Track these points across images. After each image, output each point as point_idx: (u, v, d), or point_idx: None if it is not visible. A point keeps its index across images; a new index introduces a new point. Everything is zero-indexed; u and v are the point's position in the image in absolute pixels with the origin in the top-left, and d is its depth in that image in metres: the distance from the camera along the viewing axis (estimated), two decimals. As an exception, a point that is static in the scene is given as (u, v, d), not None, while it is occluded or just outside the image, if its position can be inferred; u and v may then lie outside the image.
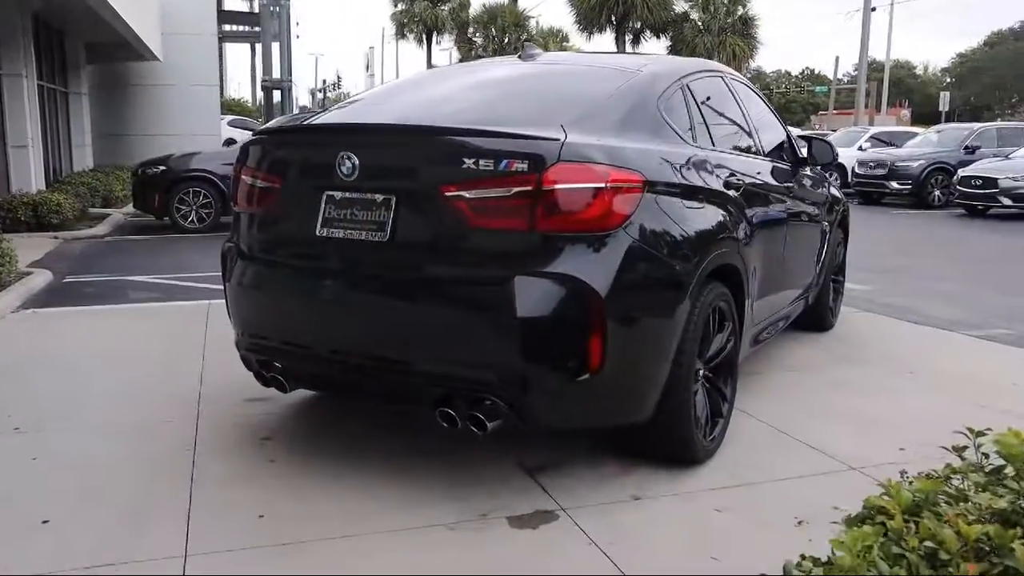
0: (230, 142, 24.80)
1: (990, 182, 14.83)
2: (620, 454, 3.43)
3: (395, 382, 2.95)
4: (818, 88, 62.91)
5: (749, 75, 53.30)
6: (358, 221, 2.94)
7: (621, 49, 31.45)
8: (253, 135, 3.41)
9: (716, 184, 3.43)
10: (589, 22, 31.25)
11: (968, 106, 64.00)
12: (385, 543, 2.75)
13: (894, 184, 17.16)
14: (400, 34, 40.40)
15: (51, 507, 2.96)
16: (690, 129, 3.49)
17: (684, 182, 3.16)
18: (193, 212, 11.71)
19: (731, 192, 3.56)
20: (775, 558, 2.65)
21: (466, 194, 2.75)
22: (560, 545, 2.75)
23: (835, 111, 51.44)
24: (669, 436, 3.16)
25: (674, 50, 32.50)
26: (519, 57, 3.83)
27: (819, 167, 5.13)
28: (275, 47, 19.99)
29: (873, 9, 32.08)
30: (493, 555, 2.68)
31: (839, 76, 56.79)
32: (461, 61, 41.08)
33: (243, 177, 3.29)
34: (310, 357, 3.10)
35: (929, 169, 17.02)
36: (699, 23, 31.71)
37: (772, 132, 4.65)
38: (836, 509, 3.05)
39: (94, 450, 3.50)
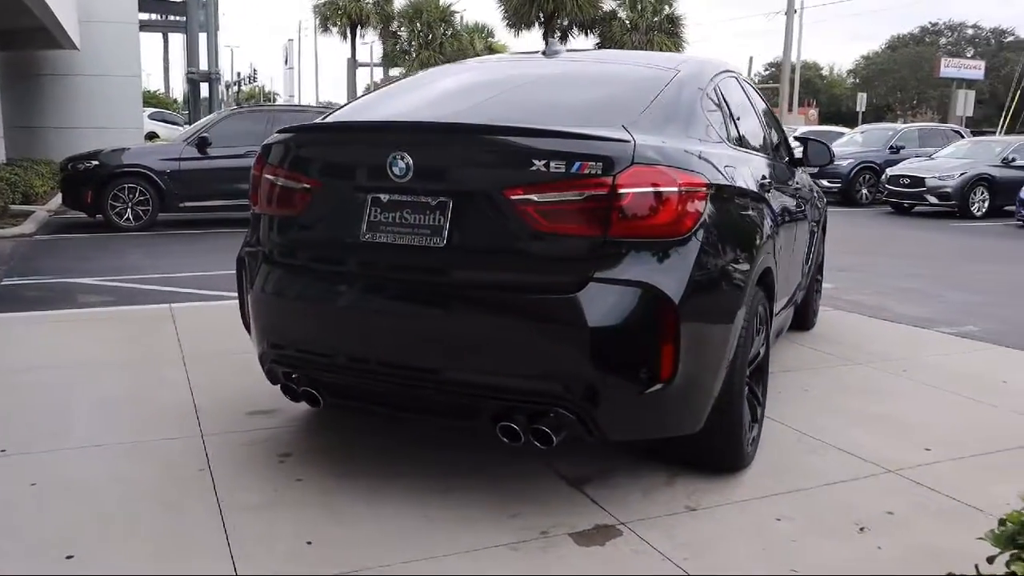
0: (152, 136, 23.84)
1: (917, 181, 15.40)
2: (660, 463, 3.34)
3: (450, 396, 2.78)
4: (732, 88, 64.42)
5: None
6: (409, 225, 2.76)
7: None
8: (280, 132, 3.17)
9: (754, 186, 3.38)
10: (518, 18, 31.21)
11: (871, 107, 66.67)
12: (449, 567, 2.59)
13: (824, 183, 17.63)
14: (323, 27, 39.54)
15: (71, 540, 2.69)
16: (726, 130, 3.43)
17: (735, 185, 3.09)
18: (129, 210, 11.13)
19: (764, 194, 3.51)
20: (854, 568, 2.64)
21: (534, 197, 2.60)
22: (633, 562, 2.65)
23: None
24: (722, 444, 3.09)
25: (602, 48, 32.76)
26: (543, 54, 3.70)
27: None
28: (202, 38, 19.21)
29: (788, 12, 33.07)
30: (568, 576, 2.56)
31: (751, 76, 58.35)
32: (385, 56, 40.54)
33: (268, 177, 3.05)
34: (353, 370, 2.90)
35: (857, 168, 17.58)
36: (627, 21, 32.07)
37: (776, 133, 4.65)
38: (890, 514, 3.07)
39: (98, 474, 3.22)
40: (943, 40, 75.00)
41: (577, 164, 2.57)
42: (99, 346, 5.11)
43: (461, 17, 40.30)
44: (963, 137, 19.15)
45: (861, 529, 2.90)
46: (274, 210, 3.06)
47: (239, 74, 78.16)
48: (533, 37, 32.43)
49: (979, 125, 41.88)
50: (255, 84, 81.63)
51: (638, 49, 31.93)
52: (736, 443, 3.12)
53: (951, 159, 16.40)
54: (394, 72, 51.04)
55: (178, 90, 61.64)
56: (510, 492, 3.10)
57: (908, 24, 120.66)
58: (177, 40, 42.50)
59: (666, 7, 32.27)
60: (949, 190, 15.23)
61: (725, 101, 3.59)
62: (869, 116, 59.44)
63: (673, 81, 3.20)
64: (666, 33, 32.15)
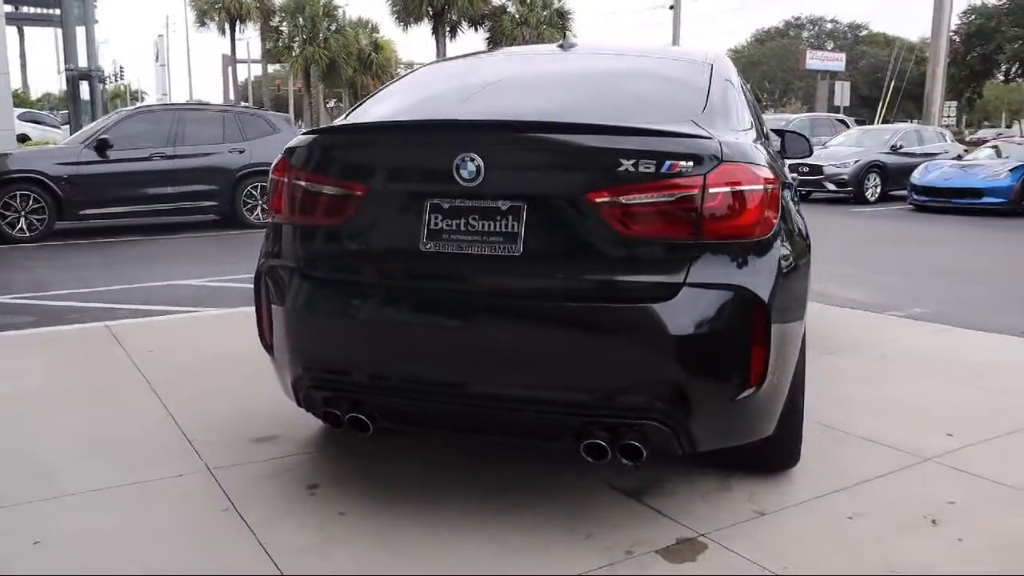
0: (23, 138, 22.13)
1: (816, 169, 16.04)
2: (708, 466, 3.25)
3: (531, 416, 2.59)
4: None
5: None
6: (477, 233, 2.54)
7: (440, 41, 31.25)
8: (311, 133, 2.87)
9: (789, 179, 3.33)
10: (407, 13, 30.73)
11: None
12: (546, 599, 2.41)
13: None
14: (200, 22, 37.75)
15: (112, 608, 2.35)
16: (759, 124, 3.36)
17: (787, 180, 3.03)
18: (22, 219, 10.23)
19: (792, 187, 3.47)
20: (949, 565, 2.62)
21: (621, 200, 2.44)
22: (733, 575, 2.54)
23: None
24: (784, 443, 3.02)
25: (493, 42, 32.71)
26: (560, 46, 3.53)
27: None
28: (80, 32, 17.91)
29: (672, 7, 33.95)
30: (675, 598, 2.43)
31: None
32: (269, 51, 39.11)
33: (298, 183, 2.76)
34: (416, 392, 2.66)
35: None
36: (517, 16, 32.10)
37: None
38: (952, 504, 3.08)
39: (110, 524, 2.85)
40: (805, 33, 78.98)
41: (668, 163, 2.43)
42: (43, 375, 4.61)
43: (344, 12, 39.39)
44: (848, 126, 20.12)
45: (933, 522, 2.89)
46: (308, 220, 2.77)
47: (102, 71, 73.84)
48: (422, 32, 32.06)
49: (845, 114, 44.31)
50: (120, 82, 77.43)
51: (528, 42, 32.04)
52: (796, 442, 3.08)
53: (844, 147, 17.18)
54: (272, 69, 49.50)
55: (38, 89, 57.69)
56: (570, 509, 2.94)
57: (772, 18, 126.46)
58: (35, 34, 39.64)
59: (555, 1, 32.55)
60: (846, 177, 15.95)
61: (746, 94, 3.53)
62: None
63: (714, 75, 3.10)
64: (555, 27, 32.42)
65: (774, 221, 2.59)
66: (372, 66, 39.42)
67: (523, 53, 3.72)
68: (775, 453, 3.05)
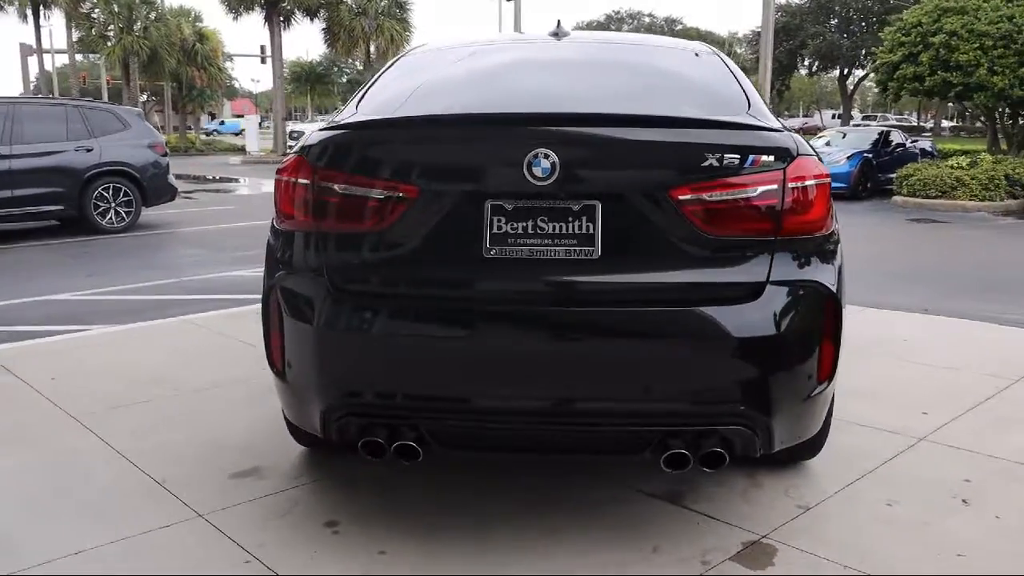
0: None
1: None
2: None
3: (607, 430, 2.41)
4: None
5: None
6: (548, 236, 2.33)
7: (274, 31, 29.87)
8: (338, 128, 2.52)
9: None
10: (238, 2, 29.13)
11: None
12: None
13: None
14: (-2, 7, 34.12)
15: None
16: None
17: None
18: None
19: None
20: (997, 539, 2.69)
21: (704, 196, 2.31)
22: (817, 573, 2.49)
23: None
24: (818, 438, 3.00)
25: (331, 33, 31.67)
26: (553, 35, 3.32)
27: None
28: None
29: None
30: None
31: None
32: (81, 40, 35.94)
33: (326, 185, 2.44)
34: (481, 414, 2.41)
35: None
36: (354, 6, 31.19)
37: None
38: (968, 482, 3.18)
39: (111, 591, 2.43)
40: (625, 27, 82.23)
41: (751, 158, 2.33)
42: (-63, 416, 3.92)
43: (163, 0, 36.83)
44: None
45: (964, 502, 2.97)
46: (342, 226, 2.44)
47: None
48: (253, 22, 30.49)
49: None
50: None
51: (368, 34, 31.33)
52: (826, 435, 3.07)
53: None
54: (85, 60, 45.51)
55: None
56: (618, 523, 2.80)
57: (592, 12, 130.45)
58: None
59: (394, -8, 31.95)
60: None
61: None
62: None
63: (732, 69, 3.02)
64: (395, 18, 31.79)
65: (832, 215, 2.56)
66: (197, 57, 37.12)
67: (531, 41, 3.47)
68: (807, 446, 3.03)
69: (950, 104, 41.24)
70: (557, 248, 2.33)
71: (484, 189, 2.37)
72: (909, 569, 2.52)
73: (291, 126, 30.29)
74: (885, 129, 17.91)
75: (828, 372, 2.52)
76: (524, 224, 2.34)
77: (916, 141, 19.02)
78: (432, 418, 2.45)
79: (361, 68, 61.05)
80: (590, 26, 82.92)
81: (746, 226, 2.36)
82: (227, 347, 5.06)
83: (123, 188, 10.64)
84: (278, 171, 2.61)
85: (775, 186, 2.35)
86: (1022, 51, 13.79)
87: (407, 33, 32.38)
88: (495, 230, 2.34)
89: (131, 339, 5.32)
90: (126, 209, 10.69)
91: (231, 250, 9.33)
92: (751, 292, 2.36)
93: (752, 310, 2.35)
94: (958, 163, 14.01)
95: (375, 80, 3.03)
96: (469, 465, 3.20)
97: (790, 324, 2.38)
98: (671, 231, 2.34)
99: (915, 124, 56.35)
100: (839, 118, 53.24)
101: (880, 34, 17.92)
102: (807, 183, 2.40)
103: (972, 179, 13.13)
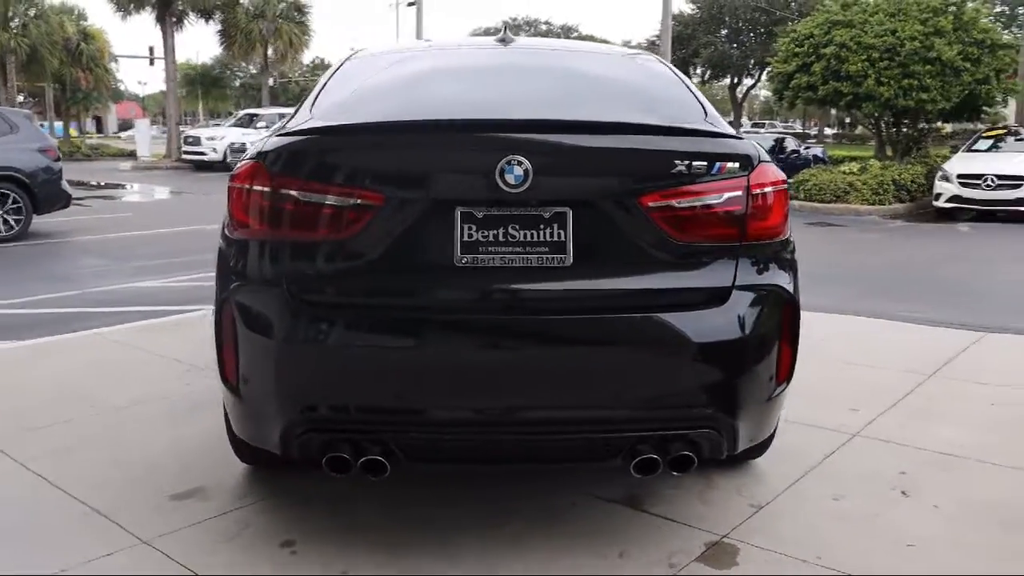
0: None
1: None
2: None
3: (579, 439, 2.40)
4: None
5: (310, 66, 52.92)
6: (519, 243, 2.30)
7: (166, 32, 28.75)
8: (297, 134, 2.41)
9: None
10: (128, 0, 27.86)
11: None
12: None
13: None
14: None
15: None
16: None
17: None
18: None
19: None
20: (939, 526, 2.81)
21: (673, 203, 2.33)
22: (782, 572, 2.55)
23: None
24: (770, 437, 3.07)
25: (226, 35, 30.75)
26: (500, 41, 3.30)
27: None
28: None
29: (412, 3, 34.06)
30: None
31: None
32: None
33: (285, 192, 2.34)
34: (454, 425, 2.36)
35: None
36: (251, 8, 30.35)
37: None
38: (904, 474, 3.33)
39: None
40: (523, 34, 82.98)
41: (718, 165, 2.37)
42: None
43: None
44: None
45: (903, 493, 3.10)
46: (302, 235, 2.35)
47: None
48: (144, 21, 29.26)
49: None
50: None
51: (266, 37, 30.59)
52: (775, 431, 3.14)
53: None
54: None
55: None
56: (579, 529, 2.81)
57: (490, 19, 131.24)
58: None
59: (292, -5, 31.30)
60: None
61: None
62: None
63: (679, 75, 3.06)
64: (293, 21, 31.12)
65: (788, 220, 2.62)
66: (83, 58, 35.39)
67: (481, 46, 3.43)
68: (758, 446, 3.10)
69: (832, 112, 43.43)
70: (529, 256, 2.31)
71: (453, 196, 2.32)
72: (867, 561, 2.61)
73: (187, 131, 29.19)
74: (780, 136, 18.64)
75: (787, 373, 2.59)
76: (495, 232, 2.31)
77: (809, 148, 19.88)
78: (402, 431, 2.38)
79: (256, 72, 59.64)
80: (488, 32, 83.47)
81: (713, 232, 2.40)
82: (145, 362, 4.81)
83: (11, 195, 10.01)
84: (232, 177, 2.49)
85: (740, 192, 2.40)
86: (905, 63, 14.60)
87: (306, 37, 31.83)
88: (466, 238, 2.30)
89: (39, 355, 4.99)
90: (15, 217, 10.06)
91: (134, 260, 8.91)
92: (718, 297, 2.40)
93: (719, 314, 2.38)
94: (849, 169, 14.72)
95: (324, 84, 2.93)
96: (423, 478, 3.13)
97: (755, 328, 2.43)
98: (640, 238, 2.35)
99: (801, 131, 59.01)
100: (731, 125, 55.17)
101: (775, 44, 18.69)
102: (768, 189, 2.46)
103: (863, 184, 13.83)
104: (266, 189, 2.37)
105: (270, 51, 31.19)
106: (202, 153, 25.26)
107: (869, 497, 3.06)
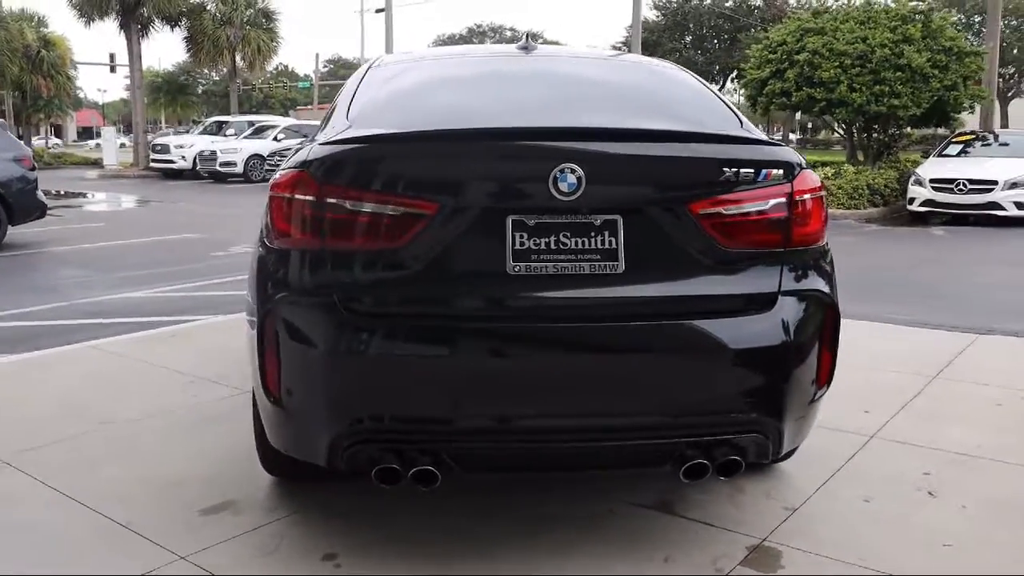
0: None
1: None
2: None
3: (632, 445, 2.41)
4: (301, 84, 64.34)
5: (274, 72, 52.46)
6: (571, 251, 2.31)
7: (131, 39, 28.32)
8: (347, 143, 2.39)
9: None
10: (91, 6, 27.33)
11: None
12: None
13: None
14: None
15: None
16: None
17: None
18: None
19: None
20: (967, 526, 2.86)
21: (722, 210, 2.36)
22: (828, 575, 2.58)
23: (318, 106, 53.60)
24: None
25: (193, 42, 30.38)
26: (522, 48, 3.30)
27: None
28: None
29: (380, 10, 33.99)
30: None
31: (316, 71, 58.56)
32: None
33: (334, 201, 2.31)
34: (507, 434, 2.35)
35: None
36: (218, 15, 30.02)
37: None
38: (928, 475, 3.38)
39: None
40: (488, 41, 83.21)
41: (764, 172, 2.40)
42: None
43: None
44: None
45: (930, 494, 3.15)
46: (352, 245, 2.33)
47: None
48: (108, 28, 28.80)
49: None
50: None
51: (234, 44, 30.29)
52: None
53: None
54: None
55: None
56: (622, 536, 2.81)
57: (455, 26, 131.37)
58: None
59: (259, 1, 30.96)
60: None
61: None
62: None
63: (704, 83, 3.10)
64: (261, 28, 30.83)
65: (827, 226, 2.66)
66: (43, 65, 34.72)
67: (510, 54, 3.42)
68: (792, 450, 3.13)
69: (796, 117, 44.05)
70: (581, 263, 2.32)
71: (505, 204, 2.32)
72: (907, 563, 2.64)
73: (155, 138, 28.78)
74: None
75: (827, 377, 2.62)
76: (546, 240, 2.31)
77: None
78: (456, 441, 2.37)
79: (217, 79, 58.93)
80: (452, 40, 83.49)
81: (759, 238, 2.43)
82: (146, 374, 4.73)
83: (-13, 205, 9.81)
84: (274, 186, 2.47)
85: (784, 199, 2.43)
86: (876, 70, 14.88)
87: (274, 44, 31.55)
88: (518, 246, 2.30)
89: (36, 368, 4.88)
90: (-9, 228, 9.85)
91: (116, 270, 8.76)
92: (765, 302, 2.42)
93: (766, 320, 2.41)
94: (824, 174, 14.94)
95: (354, 92, 2.91)
96: (455, 488, 3.12)
97: (800, 332, 2.46)
98: (690, 244, 2.37)
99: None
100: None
101: (745, 51, 18.93)
102: (809, 196, 2.50)
103: (839, 188, 14.04)
104: (312, 198, 2.34)
105: (238, 58, 30.88)
106: (171, 161, 24.93)
107: (898, 498, 3.11)
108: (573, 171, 2.26)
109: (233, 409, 4.06)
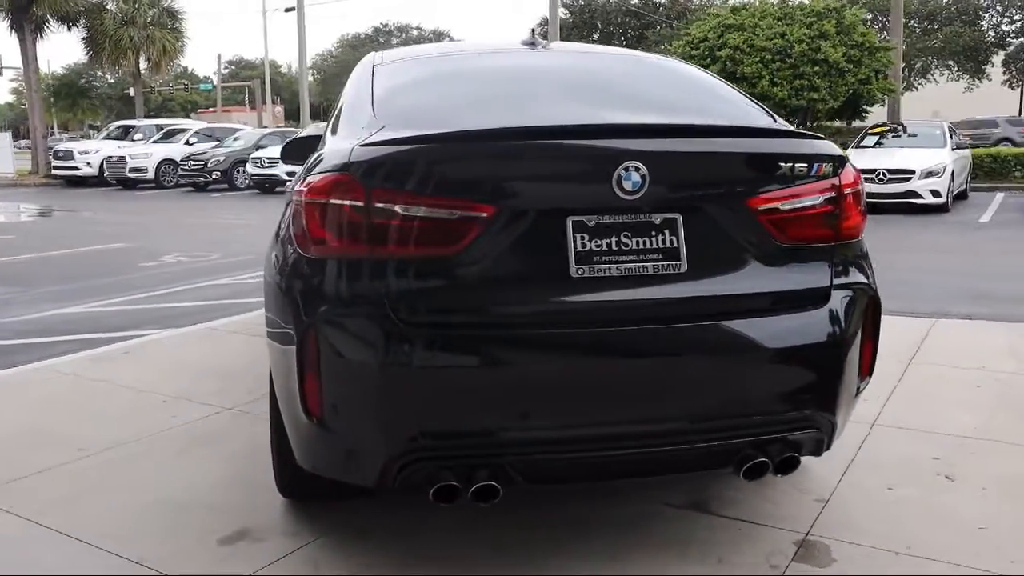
0: None
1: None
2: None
3: (698, 448, 2.35)
4: (203, 86, 62.38)
5: (174, 73, 50.42)
6: (632, 252, 2.23)
7: (24, 40, 26.87)
8: (390, 144, 2.25)
9: None
10: (-23, 7, 25.82)
11: (328, 103, 69.39)
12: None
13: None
14: None
15: None
16: None
17: None
18: None
19: None
20: (992, 508, 2.93)
21: (779, 206, 2.33)
22: (878, 568, 2.59)
23: (223, 109, 52.05)
24: None
25: (92, 43, 28.97)
26: (530, 44, 3.21)
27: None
28: None
29: (290, 9, 33.20)
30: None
31: (219, 72, 56.78)
32: None
33: (382, 206, 2.18)
34: (576, 443, 2.27)
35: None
36: (119, 14, 28.71)
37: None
38: (937, 459, 3.46)
39: None
40: (395, 40, 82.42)
41: (815, 166, 2.38)
42: None
43: None
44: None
45: (948, 478, 3.22)
46: (401, 252, 2.19)
47: None
48: (-1, 29, 27.18)
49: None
50: None
51: (138, 45, 29.08)
52: None
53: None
54: None
55: None
56: (673, 537, 2.78)
57: (359, 25, 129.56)
58: None
59: (163, 0, 29.76)
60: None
61: None
62: (328, 113, 61.98)
63: (718, 77, 3.08)
64: (165, 28, 29.62)
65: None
66: (-76, 68, 32.59)
67: (526, 50, 3.28)
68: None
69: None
70: (644, 264, 2.25)
71: (565, 205, 2.24)
72: (952, 548, 2.68)
73: (57, 144, 27.35)
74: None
75: (869, 368, 2.63)
76: (607, 241, 2.24)
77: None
78: (521, 453, 2.27)
79: (113, 81, 56.34)
80: (358, 39, 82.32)
81: (812, 232, 2.41)
82: (111, 394, 4.44)
83: None
84: (310, 191, 2.31)
85: (834, 193, 2.42)
86: (795, 64, 15.38)
87: (180, 44, 30.40)
88: (579, 248, 2.22)
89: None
90: None
91: (38, 286, 8.24)
92: (820, 297, 2.41)
93: (822, 314, 2.40)
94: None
95: (370, 90, 2.77)
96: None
97: (852, 325, 2.46)
98: (749, 241, 2.34)
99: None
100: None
101: (669, 47, 19.27)
102: (853, 189, 2.50)
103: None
104: (358, 203, 2.20)
105: (142, 59, 29.65)
106: (75, 168, 23.76)
107: (918, 484, 3.16)
108: (637, 169, 2.19)
109: (218, 429, 3.85)
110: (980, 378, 4.46)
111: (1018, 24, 43.37)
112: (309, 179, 2.37)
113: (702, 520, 2.89)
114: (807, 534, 2.78)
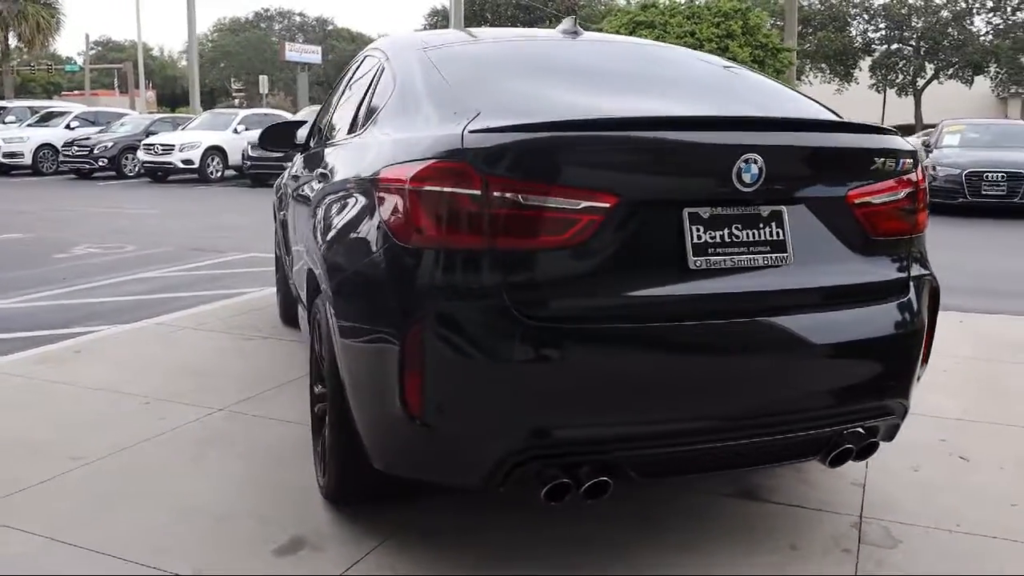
0: None
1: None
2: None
3: (802, 437, 2.38)
4: (68, 67, 58.86)
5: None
6: (743, 243, 2.24)
7: None
8: (507, 131, 2.14)
9: None
10: None
11: (208, 90, 66.50)
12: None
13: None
14: None
15: None
16: None
17: None
18: None
19: None
20: (1013, 483, 3.10)
21: (872, 199, 2.41)
22: (941, 546, 2.70)
23: (91, 92, 49.24)
24: None
25: None
26: (570, 33, 3.17)
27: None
28: None
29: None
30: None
31: (86, 54, 53.80)
32: None
33: (499, 195, 2.09)
34: (693, 435, 2.26)
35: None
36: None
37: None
38: (944, 441, 3.65)
39: None
40: (277, 25, 79.99)
41: (902, 160, 2.47)
42: None
43: None
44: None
45: (962, 458, 3.40)
46: (522, 243, 2.11)
47: None
48: None
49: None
50: None
51: (8, 20, 27.06)
52: None
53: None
54: None
55: None
56: (736, 525, 2.82)
57: (240, 9, 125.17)
58: None
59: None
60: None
61: None
62: (206, 99, 59.46)
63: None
64: (40, 3, 27.66)
65: None
66: None
67: (557, 38, 3.20)
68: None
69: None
70: (754, 255, 2.27)
71: (683, 196, 2.23)
72: (1000, 524, 2.82)
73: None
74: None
75: (928, 355, 2.74)
76: (720, 232, 2.24)
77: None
78: (638, 448, 2.24)
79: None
80: (237, 23, 79.27)
81: (897, 226, 2.51)
82: (81, 397, 4.11)
83: None
84: (415, 179, 2.19)
85: (912, 188, 2.52)
86: (704, 63, 15.83)
87: (55, 20, 28.47)
88: (696, 240, 2.22)
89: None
90: None
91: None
92: (903, 288, 2.51)
93: (905, 305, 2.50)
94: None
95: (439, 75, 2.67)
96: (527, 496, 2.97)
97: (924, 315, 2.57)
98: (846, 234, 2.41)
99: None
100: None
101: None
102: (924, 184, 2.60)
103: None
104: (475, 192, 2.11)
105: (13, 35, 27.60)
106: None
107: (939, 465, 3.32)
108: (756, 162, 2.21)
109: (220, 432, 3.64)
110: (947, 364, 4.70)
111: (883, 32, 46.44)
112: (403, 165, 2.26)
113: (757, 508, 2.95)
114: (863, 517, 2.87)
